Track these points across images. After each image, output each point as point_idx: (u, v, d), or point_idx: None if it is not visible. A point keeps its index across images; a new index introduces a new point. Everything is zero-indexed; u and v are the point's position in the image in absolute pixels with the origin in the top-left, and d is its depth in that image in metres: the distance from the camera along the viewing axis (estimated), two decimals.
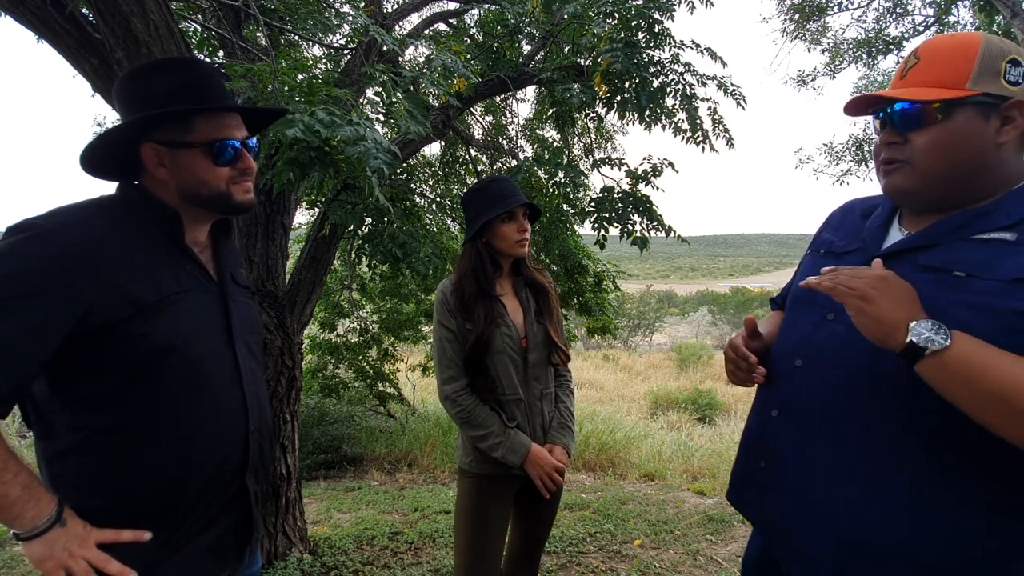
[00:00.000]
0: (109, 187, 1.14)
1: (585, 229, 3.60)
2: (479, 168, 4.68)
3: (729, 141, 3.14)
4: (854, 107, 1.02)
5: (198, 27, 3.08)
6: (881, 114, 0.96)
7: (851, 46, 8.64)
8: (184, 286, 1.04)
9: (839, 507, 0.93)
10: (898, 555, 0.87)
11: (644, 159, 3.25)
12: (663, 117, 2.92)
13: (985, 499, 0.84)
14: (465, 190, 2.34)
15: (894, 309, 0.82)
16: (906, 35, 8.30)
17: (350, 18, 2.92)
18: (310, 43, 3.66)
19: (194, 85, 1.06)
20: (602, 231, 3.20)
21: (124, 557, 0.95)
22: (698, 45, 2.88)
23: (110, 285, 0.93)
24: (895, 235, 1.01)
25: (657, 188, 3.22)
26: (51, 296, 0.89)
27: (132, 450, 0.98)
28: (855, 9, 8.53)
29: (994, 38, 0.90)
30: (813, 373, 1.00)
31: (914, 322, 0.81)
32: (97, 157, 1.08)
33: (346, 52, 3.34)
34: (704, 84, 2.88)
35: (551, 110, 3.49)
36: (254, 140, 1.14)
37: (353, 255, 4.28)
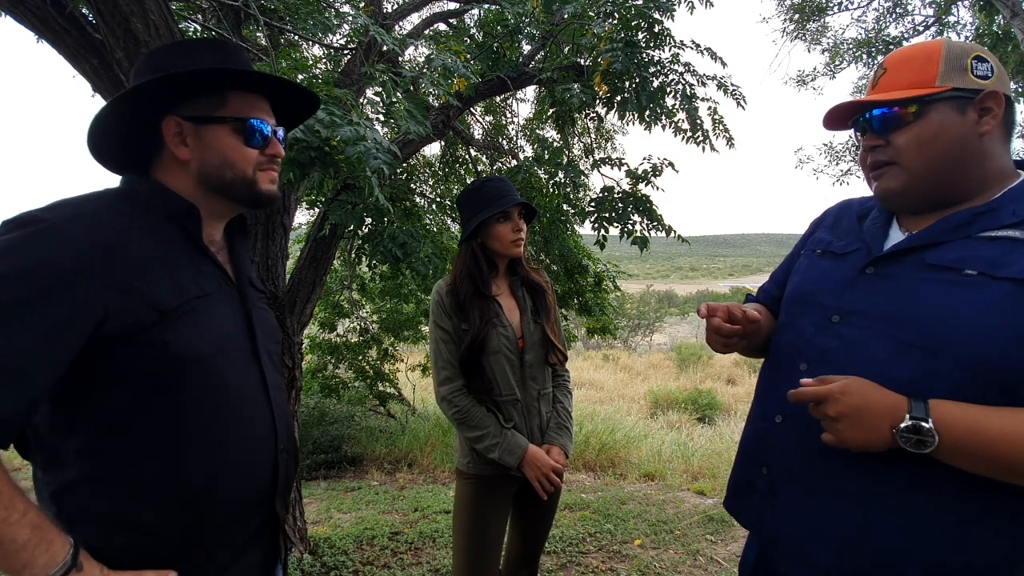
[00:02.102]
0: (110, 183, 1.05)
1: (585, 229, 3.61)
2: (479, 168, 4.68)
3: (729, 141, 3.14)
4: (831, 121, 1.04)
5: (198, 27, 3.08)
6: (860, 121, 0.98)
7: (851, 46, 8.64)
8: (205, 289, 0.93)
9: (846, 514, 0.91)
10: (908, 561, 0.86)
11: (644, 159, 3.25)
12: (663, 117, 2.93)
13: (997, 503, 0.83)
14: (460, 191, 2.34)
15: (870, 433, 0.84)
16: (906, 35, 8.30)
17: (350, 18, 2.92)
18: (310, 43, 3.66)
19: (228, 62, 0.98)
20: (602, 231, 3.21)
21: None
22: (698, 45, 2.89)
23: (127, 288, 0.82)
24: (896, 235, 1.00)
25: (657, 188, 3.23)
26: (65, 298, 0.77)
27: (153, 478, 0.86)
28: (855, 9, 8.53)
29: (955, 41, 0.94)
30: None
31: (897, 429, 0.82)
32: (107, 132, 0.96)
33: (346, 52, 3.34)
34: (704, 84, 2.88)
35: (551, 110, 3.49)
36: (282, 133, 1.06)
37: (353, 255, 4.28)
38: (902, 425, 0.81)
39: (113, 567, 0.83)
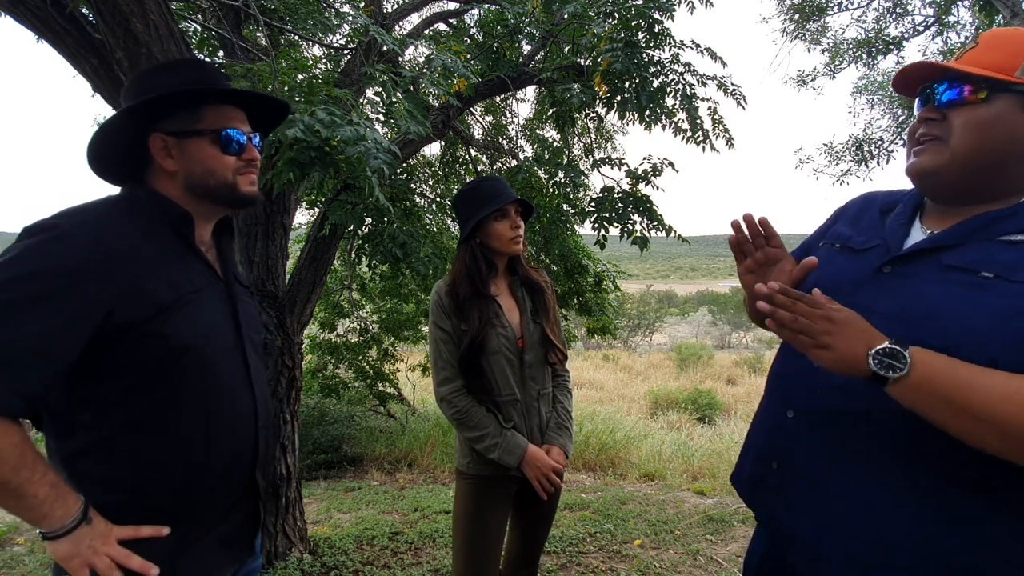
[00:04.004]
0: (107, 188, 1.15)
1: (585, 229, 3.61)
2: (479, 168, 4.68)
3: (729, 141, 3.14)
4: (901, 82, 1.01)
5: (198, 27, 3.08)
6: (926, 92, 0.96)
7: (851, 46, 8.64)
8: (197, 285, 1.05)
9: (859, 511, 0.91)
10: (917, 560, 0.86)
11: (644, 159, 3.25)
12: (663, 117, 2.93)
13: (1004, 504, 0.83)
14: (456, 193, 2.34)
15: (851, 345, 0.84)
16: (906, 35, 8.30)
17: (350, 18, 2.92)
18: (310, 43, 3.66)
19: (203, 80, 1.10)
20: (602, 231, 3.21)
21: (144, 552, 0.97)
22: (698, 45, 2.88)
23: (130, 285, 0.95)
24: (917, 234, 0.99)
25: (657, 188, 3.23)
26: (71, 299, 0.90)
27: (150, 448, 0.99)
28: (855, 9, 8.53)
29: None
30: (832, 374, 0.98)
31: (873, 350, 0.82)
32: (103, 150, 1.09)
33: (346, 52, 3.35)
34: (704, 84, 2.88)
35: (551, 110, 3.49)
36: (258, 138, 1.17)
37: (353, 255, 4.28)
38: (880, 346, 0.82)
39: (112, 522, 0.97)
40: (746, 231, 1.07)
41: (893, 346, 0.82)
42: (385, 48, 2.82)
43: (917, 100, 0.99)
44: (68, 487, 0.94)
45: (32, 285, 0.88)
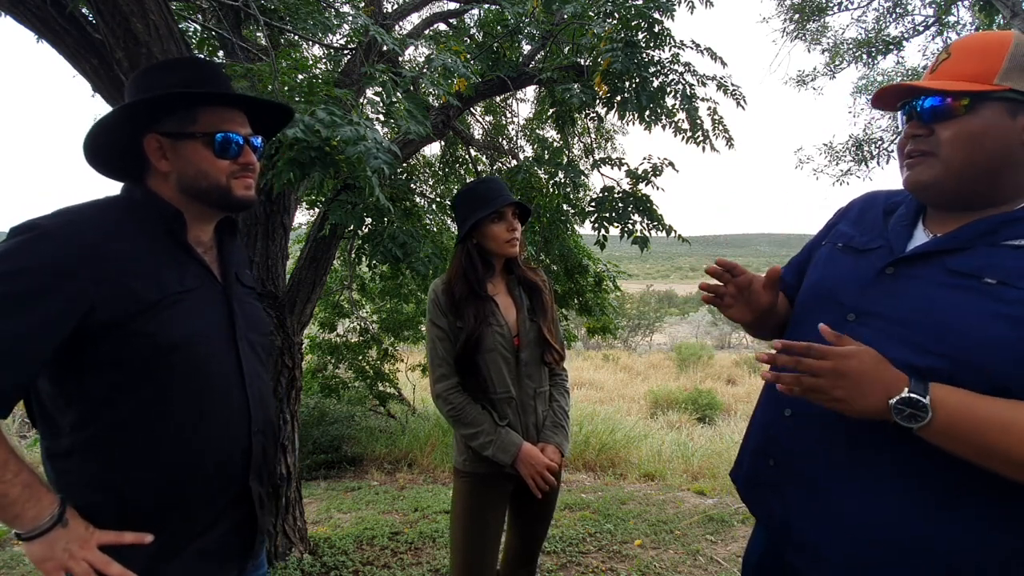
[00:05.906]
0: (107, 188, 1.15)
1: (585, 229, 3.61)
2: (479, 168, 4.68)
3: (729, 141, 3.14)
4: (881, 100, 1.01)
5: (198, 27, 3.08)
6: (908, 107, 0.95)
7: (851, 46, 8.64)
8: (187, 285, 1.04)
9: (858, 511, 0.91)
10: (916, 558, 0.86)
11: (644, 159, 3.25)
12: (663, 117, 2.93)
13: (1004, 501, 0.83)
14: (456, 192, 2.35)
15: (868, 399, 0.83)
16: (906, 35, 8.30)
17: (350, 18, 2.92)
18: (310, 43, 3.66)
19: (200, 80, 1.08)
20: (602, 231, 3.21)
21: (126, 559, 0.95)
22: (698, 45, 2.89)
23: (113, 284, 0.94)
24: (920, 236, 0.99)
25: (657, 188, 3.23)
26: (54, 295, 0.89)
27: (133, 449, 0.97)
28: (855, 9, 8.53)
29: None
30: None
31: (893, 400, 0.82)
32: (100, 147, 1.08)
33: (346, 52, 3.35)
34: (704, 84, 2.88)
35: (551, 110, 3.49)
36: (259, 140, 1.15)
37: (353, 255, 4.28)
38: (899, 395, 0.81)
39: (98, 526, 0.96)
40: (713, 281, 1.13)
41: (912, 395, 0.81)
42: (385, 48, 2.82)
43: (900, 114, 0.99)
44: (44, 488, 0.92)
45: (12, 283, 0.88)
